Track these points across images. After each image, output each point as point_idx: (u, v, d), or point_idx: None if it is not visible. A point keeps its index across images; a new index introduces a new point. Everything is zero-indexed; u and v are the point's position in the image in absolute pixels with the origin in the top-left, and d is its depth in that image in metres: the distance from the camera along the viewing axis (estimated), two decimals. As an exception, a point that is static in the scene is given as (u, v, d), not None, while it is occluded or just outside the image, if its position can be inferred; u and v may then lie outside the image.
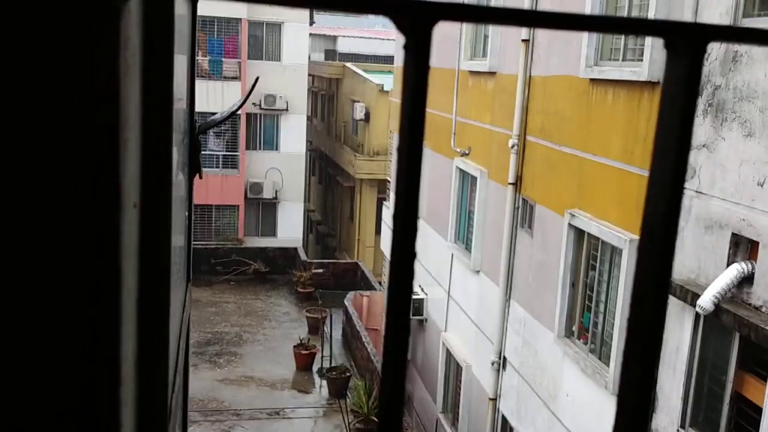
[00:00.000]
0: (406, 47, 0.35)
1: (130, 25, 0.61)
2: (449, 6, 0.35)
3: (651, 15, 7.43)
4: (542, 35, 10.03)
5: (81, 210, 0.50)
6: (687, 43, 0.43)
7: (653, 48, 7.34)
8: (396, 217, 0.40)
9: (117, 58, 0.49)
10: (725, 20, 6.39)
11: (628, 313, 0.50)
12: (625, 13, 8.21)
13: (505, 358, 11.08)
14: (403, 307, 0.44)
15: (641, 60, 7.67)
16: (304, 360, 18.08)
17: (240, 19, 25.83)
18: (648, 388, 0.45)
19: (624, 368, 0.48)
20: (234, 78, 25.89)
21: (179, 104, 1.64)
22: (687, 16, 6.81)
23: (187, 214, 1.95)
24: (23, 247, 0.50)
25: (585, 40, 8.66)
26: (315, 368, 18.09)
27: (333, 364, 17.70)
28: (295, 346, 18.32)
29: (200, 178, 1.99)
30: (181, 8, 1.52)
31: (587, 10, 8.62)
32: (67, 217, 0.50)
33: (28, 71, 0.47)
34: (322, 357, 17.98)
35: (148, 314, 0.81)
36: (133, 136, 0.67)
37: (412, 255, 0.41)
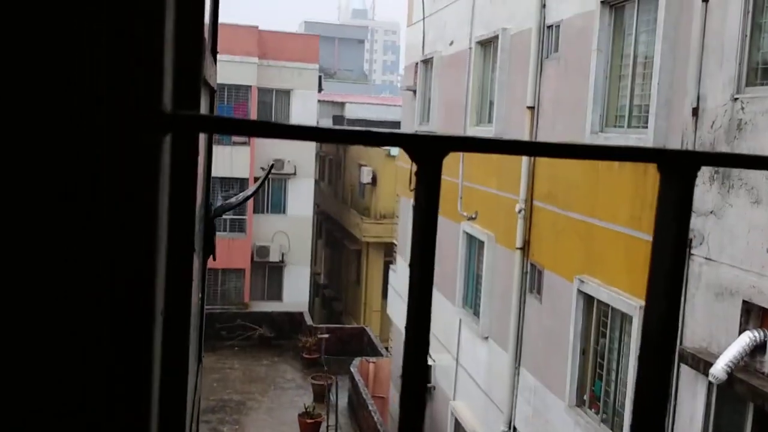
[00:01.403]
0: (417, 174, 0.36)
1: (164, 151, 0.66)
2: (455, 139, 0.36)
3: (654, 86, 7.53)
4: (547, 102, 10.17)
5: (113, 319, 0.55)
6: (679, 168, 0.45)
7: (657, 116, 7.43)
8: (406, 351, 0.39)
9: (157, 188, 0.56)
10: (728, 90, 6.46)
11: (636, 373, 0.50)
12: (628, 86, 8.33)
13: (515, 428, 10.83)
14: (418, 390, 0.43)
15: (646, 127, 7.75)
16: (309, 429, 17.73)
17: (250, 86, 26.37)
18: None
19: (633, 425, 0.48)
20: (243, 143, 26.26)
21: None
22: (690, 87, 6.90)
23: (201, 296, 1.94)
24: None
25: (590, 106, 8.78)
26: (320, 437, 17.72)
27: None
28: (300, 415, 18.00)
29: (214, 260, 1.99)
30: (204, 98, 1.57)
31: (590, 91, 8.75)
32: (100, 330, 0.54)
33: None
34: (328, 426, 17.63)
35: (166, 412, 0.82)
36: (161, 251, 0.71)
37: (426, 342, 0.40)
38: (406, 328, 0.41)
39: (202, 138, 1.73)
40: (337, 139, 0.36)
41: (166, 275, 0.81)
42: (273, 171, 27.02)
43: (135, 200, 0.54)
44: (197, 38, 0.93)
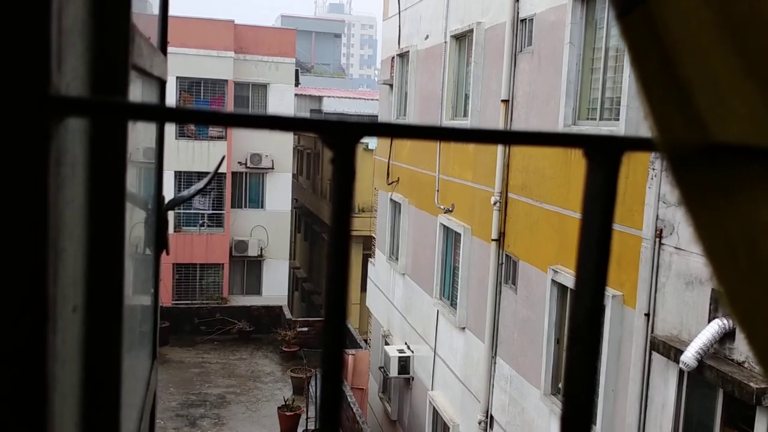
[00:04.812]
0: (332, 161, 0.40)
1: (68, 137, 0.64)
2: (367, 125, 0.40)
3: (625, 79, 7.63)
4: (521, 95, 10.26)
5: (2, 323, 0.51)
6: (604, 153, 0.47)
7: (629, 107, 7.54)
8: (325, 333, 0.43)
9: (46, 175, 0.50)
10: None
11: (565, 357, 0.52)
12: (600, 79, 8.44)
13: (492, 417, 10.96)
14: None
15: (618, 119, 7.86)
16: (289, 422, 17.75)
17: (226, 80, 26.21)
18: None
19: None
20: (219, 138, 26.10)
21: (146, 180, 1.68)
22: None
23: (153, 291, 1.96)
24: None
25: (563, 98, 8.88)
26: (300, 430, 17.75)
27: (318, 426, 17.36)
28: (279, 408, 18.01)
29: (167, 254, 2.01)
30: (146, 90, 1.57)
31: (563, 84, 8.84)
32: None
33: None
34: (307, 418, 17.67)
35: (94, 414, 0.82)
36: (72, 243, 0.69)
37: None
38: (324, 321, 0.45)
39: (151, 128, 1.74)
40: (249, 124, 0.39)
41: (89, 270, 0.80)
42: (251, 165, 26.90)
43: (15, 188, 0.49)
44: (120, 23, 0.90)
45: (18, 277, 0.51)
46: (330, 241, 0.41)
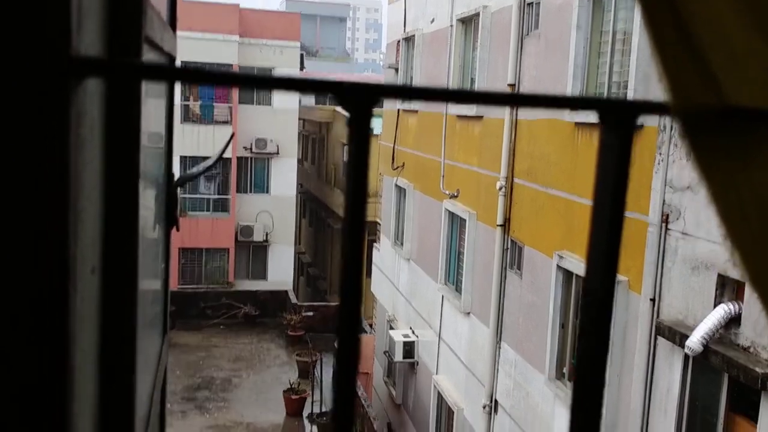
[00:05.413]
0: (349, 123, 0.39)
1: (87, 99, 0.64)
2: (384, 86, 0.39)
3: (632, 62, 7.58)
4: (528, 79, 10.20)
5: (25, 281, 0.52)
6: (618, 117, 0.47)
7: (636, 91, 7.49)
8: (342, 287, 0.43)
9: (66, 139, 0.51)
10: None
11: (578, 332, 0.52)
12: (607, 62, 8.39)
13: (496, 401, 10.99)
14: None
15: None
16: (295, 405, 17.86)
17: (231, 65, 26.14)
18: (599, 404, 0.47)
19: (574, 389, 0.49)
20: (225, 122, 26.08)
21: (156, 159, 1.68)
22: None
23: (164, 266, 1.96)
24: None
25: (570, 82, 8.83)
26: (305, 413, 17.86)
27: (324, 409, 17.49)
28: (285, 391, 18.11)
29: (177, 230, 2.01)
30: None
31: (570, 67, 8.79)
32: (10, 287, 0.52)
33: None
34: (313, 402, 17.77)
35: (111, 375, 0.83)
36: (91, 203, 0.70)
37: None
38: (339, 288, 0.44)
39: (161, 112, 1.74)
40: (264, 85, 0.38)
41: (105, 232, 0.81)
42: (256, 150, 26.88)
43: (38, 146, 0.50)
44: None
45: (41, 234, 0.52)
46: (346, 202, 0.41)
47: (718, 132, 0.45)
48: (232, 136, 4.64)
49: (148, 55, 1.24)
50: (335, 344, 0.40)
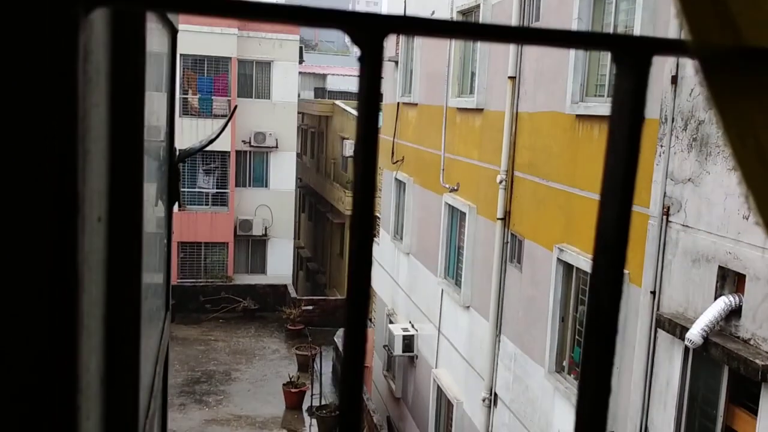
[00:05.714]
0: (360, 59, 0.37)
1: (93, 39, 0.62)
2: (399, 18, 0.37)
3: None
4: (529, 72, 10.17)
5: (32, 219, 0.52)
6: (633, 55, 0.45)
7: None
8: (353, 225, 0.41)
9: (75, 70, 0.50)
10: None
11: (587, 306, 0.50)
12: (608, 55, 8.35)
13: (496, 395, 11.00)
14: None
15: (625, 96, 7.77)
16: (294, 398, 17.87)
17: (230, 58, 26.09)
18: (606, 390, 0.46)
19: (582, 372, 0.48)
20: (224, 116, 26.02)
21: (158, 133, 1.66)
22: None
23: (166, 242, 1.95)
24: None
25: (570, 76, 8.80)
26: (305, 407, 17.87)
27: (323, 403, 17.51)
28: (284, 384, 18.12)
29: (179, 207, 2.00)
30: (159, 38, 1.55)
31: (571, 60, 8.75)
32: (17, 226, 0.52)
33: None
34: (312, 395, 17.79)
35: (117, 322, 0.82)
36: (97, 149, 0.68)
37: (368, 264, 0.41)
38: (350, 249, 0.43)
39: (159, 65, 1.72)
40: (270, 16, 0.36)
41: (109, 182, 0.81)
42: (255, 144, 26.84)
43: (47, 77, 0.50)
44: None
45: (50, 168, 0.51)
46: (357, 146, 0.39)
47: (735, 72, 0.44)
48: (235, 108, 4.62)
49: (151, 26, 1.22)
50: (335, 338, 0.38)
